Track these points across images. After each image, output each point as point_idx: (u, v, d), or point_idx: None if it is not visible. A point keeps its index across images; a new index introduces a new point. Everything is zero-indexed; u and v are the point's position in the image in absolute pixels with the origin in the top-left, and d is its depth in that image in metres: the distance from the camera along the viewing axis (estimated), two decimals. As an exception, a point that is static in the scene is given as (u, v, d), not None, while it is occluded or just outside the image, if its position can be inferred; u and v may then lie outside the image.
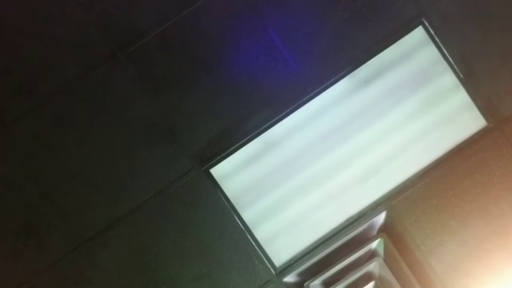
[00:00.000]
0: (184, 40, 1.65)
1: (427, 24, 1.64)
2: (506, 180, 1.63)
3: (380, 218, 1.66)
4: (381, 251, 1.62)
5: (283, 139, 1.66)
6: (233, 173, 1.66)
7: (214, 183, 1.66)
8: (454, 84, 1.65)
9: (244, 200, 1.66)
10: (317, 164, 1.65)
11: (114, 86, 1.65)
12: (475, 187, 1.64)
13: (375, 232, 1.68)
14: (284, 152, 1.66)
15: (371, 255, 1.62)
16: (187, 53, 1.64)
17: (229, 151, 1.65)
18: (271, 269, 1.66)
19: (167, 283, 1.66)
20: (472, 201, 1.64)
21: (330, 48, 1.64)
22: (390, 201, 1.65)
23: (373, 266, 1.58)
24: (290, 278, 1.67)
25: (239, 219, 1.65)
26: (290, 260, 1.66)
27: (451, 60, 1.64)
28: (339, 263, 1.59)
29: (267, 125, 1.65)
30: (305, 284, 1.60)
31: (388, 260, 1.60)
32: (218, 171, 1.66)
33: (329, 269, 1.59)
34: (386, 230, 1.65)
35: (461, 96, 1.65)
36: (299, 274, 1.68)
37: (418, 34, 1.64)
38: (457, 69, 1.64)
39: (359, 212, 1.66)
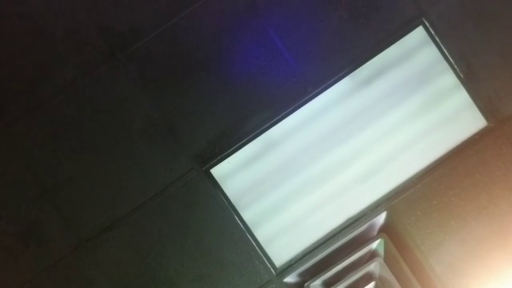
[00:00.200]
0: (184, 40, 1.64)
1: (427, 24, 1.63)
2: (507, 180, 1.63)
3: (381, 218, 1.66)
4: (381, 251, 1.62)
5: (283, 139, 1.65)
6: (233, 173, 1.66)
7: (214, 183, 1.66)
8: (454, 84, 1.65)
9: (244, 200, 1.66)
10: (317, 164, 1.65)
11: (114, 86, 1.65)
12: (475, 187, 1.64)
13: (375, 233, 1.68)
14: (284, 152, 1.65)
15: (372, 255, 1.62)
16: (187, 53, 1.64)
17: (229, 151, 1.65)
18: (272, 269, 1.66)
19: (167, 283, 1.65)
20: (472, 201, 1.64)
21: (330, 48, 1.64)
22: (390, 201, 1.65)
23: (373, 266, 1.58)
24: (290, 279, 1.67)
25: (239, 219, 1.65)
26: (290, 261, 1.66)
27: (451, 60, 1.64)
28: (340, 263, 1.59)
29: (267, 125, 1.65)
30: (306, 284, 1.60)
31: (389, 260, 1.60)
32: (218, 171, 1.66)
33: (330, 270, 1.59)
34: (386, 230, 1.65)
35: (462, 96, 1.65)
36: (300, 275, 1.67)
37: (418, 34, 1.64)
38: (457, 69, 1.64)
39: (359, 212, 1.66)
